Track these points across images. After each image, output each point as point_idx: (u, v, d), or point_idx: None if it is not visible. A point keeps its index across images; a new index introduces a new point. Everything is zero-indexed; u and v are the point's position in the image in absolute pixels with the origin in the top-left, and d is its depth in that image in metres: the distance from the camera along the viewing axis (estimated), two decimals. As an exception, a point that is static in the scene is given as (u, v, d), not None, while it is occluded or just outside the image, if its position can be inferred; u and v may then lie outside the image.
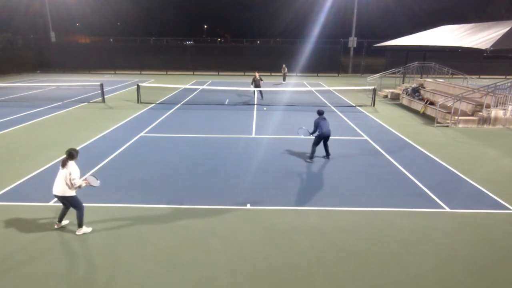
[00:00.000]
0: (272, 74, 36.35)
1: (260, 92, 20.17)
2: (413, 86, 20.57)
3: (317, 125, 9.82)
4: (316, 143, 9.97)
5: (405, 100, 19.98)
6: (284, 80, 29.77)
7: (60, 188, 5.96)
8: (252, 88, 20.40)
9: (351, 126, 14.20)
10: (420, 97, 19.13)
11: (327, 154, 10.24)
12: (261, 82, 20.38)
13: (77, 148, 10.92)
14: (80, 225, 6.21)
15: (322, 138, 9.89)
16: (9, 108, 17.26)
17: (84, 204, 6.32)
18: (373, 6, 46.15)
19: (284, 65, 29.65)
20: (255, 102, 19.22)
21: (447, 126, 14.46)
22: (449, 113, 14.79)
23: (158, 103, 19.08)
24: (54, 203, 7.31)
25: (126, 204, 7.31)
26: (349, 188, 8.32)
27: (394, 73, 25.72)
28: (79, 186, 5.97)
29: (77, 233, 6.22)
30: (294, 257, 5.64)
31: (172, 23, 75.34)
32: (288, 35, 57.45)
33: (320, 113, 10.05)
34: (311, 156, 10.03)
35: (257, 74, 20.21)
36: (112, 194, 7.68)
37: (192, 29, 78.38)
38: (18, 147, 11.19)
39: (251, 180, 8.68)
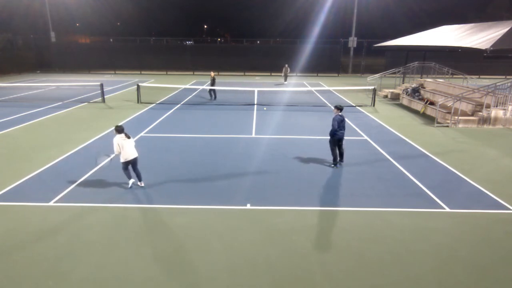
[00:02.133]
0: (272, 74, 36.36)
1: (214, 92, 20.42)
2: (413, 86, 20.57)
3: (337, 124, 9.20)
4: (332, 147, 9.48)
5: (405, 100, 19.98)
6: (285, 80, 29.70)
7: (135, 152, 7.94)
8: (208, 87, 20.64)
9: (351, 126, 14.19)
10: (420, 97, 19.13)
11: (341, 158, 9.69)
12: (216, 82, 20.81)
13: (77, 148, 11.02)
14: (141, 178, 8.17)
15: (336, 139, 9.41)
16: (9, 108, 17.26)
17: (83, 204, 6.91)
18: (373, 6, 46.19)
19: (286, 65, 29.39)
20: (256, 102, 19.22)
21: (447, 126, 14.46)
22: (449, 113, 14.79)
23: (158, 103, 19.08)
24: (54, 203, 7.33)
25: (126, 204, 7.31)
26: (349, 188, 8.32)
27: (394, 73, 25.72)
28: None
29: (140, 184, 8.12)
30: (294, 257, 5.64)
31: (172, 23, 75.44)
32: (288, 35, 57.56)
33: (341, 109, 9.39)
34: (334, 160, 9.55)
35: (212, 73, 20.71)
36: (112, 194, 7.67)
37: (192, 29, 78.52)
38: (18, 147, 11.19)
39: (251, 180, 8.68)
